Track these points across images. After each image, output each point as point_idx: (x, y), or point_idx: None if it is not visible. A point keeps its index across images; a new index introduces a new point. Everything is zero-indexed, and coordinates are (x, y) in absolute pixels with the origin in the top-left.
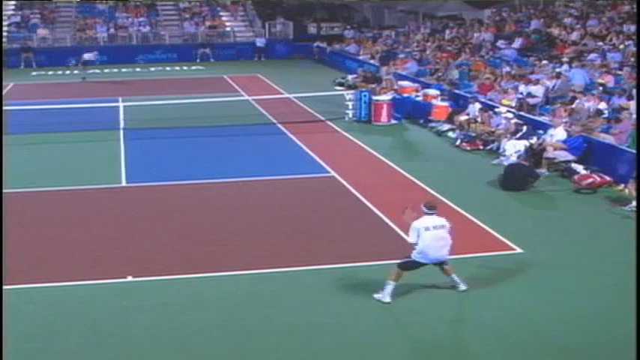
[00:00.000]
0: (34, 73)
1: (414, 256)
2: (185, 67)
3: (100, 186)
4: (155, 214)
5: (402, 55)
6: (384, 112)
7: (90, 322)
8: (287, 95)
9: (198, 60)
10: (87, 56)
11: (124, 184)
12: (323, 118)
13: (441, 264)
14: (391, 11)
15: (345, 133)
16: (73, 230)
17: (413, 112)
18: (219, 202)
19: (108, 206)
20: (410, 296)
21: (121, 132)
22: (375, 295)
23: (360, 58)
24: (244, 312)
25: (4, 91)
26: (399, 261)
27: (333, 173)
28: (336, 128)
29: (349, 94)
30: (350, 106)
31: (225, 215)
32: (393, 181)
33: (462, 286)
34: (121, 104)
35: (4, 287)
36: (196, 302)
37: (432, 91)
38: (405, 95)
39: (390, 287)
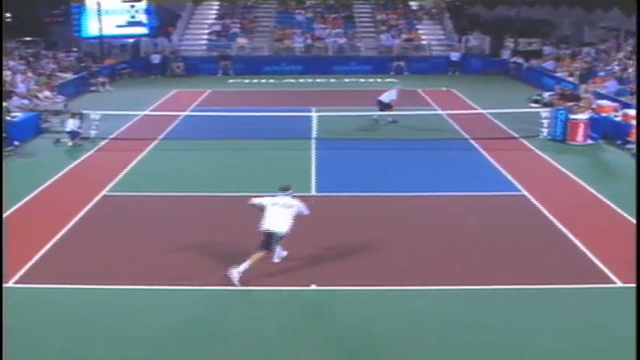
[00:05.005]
0: (230, 81)
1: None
2: (379, 80)
3: None
4: (343, 224)
5: (601, 74)
6: (581, 131)
7: (283, 324)
8: (480, 111)
9: (392, 73)
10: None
11: (313, 193)
12: (516, 136)
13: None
14: (592, 28)
15: (539, 152)
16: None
17: (611, 132)
18: (406, 214)
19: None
20: None
21: (313, 141)
22: None
23: (558, 75)
24: (435, 328)
25: (201, 97)
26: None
27: (524, 192)
28: (530, 146)
29: (545, 112)
30: (545, 124)
31: (412, 228)
32: (587, 203)
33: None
34: (314, 114)
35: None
36: (381, 316)
37: (632, 112)
38: (604, 115)
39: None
